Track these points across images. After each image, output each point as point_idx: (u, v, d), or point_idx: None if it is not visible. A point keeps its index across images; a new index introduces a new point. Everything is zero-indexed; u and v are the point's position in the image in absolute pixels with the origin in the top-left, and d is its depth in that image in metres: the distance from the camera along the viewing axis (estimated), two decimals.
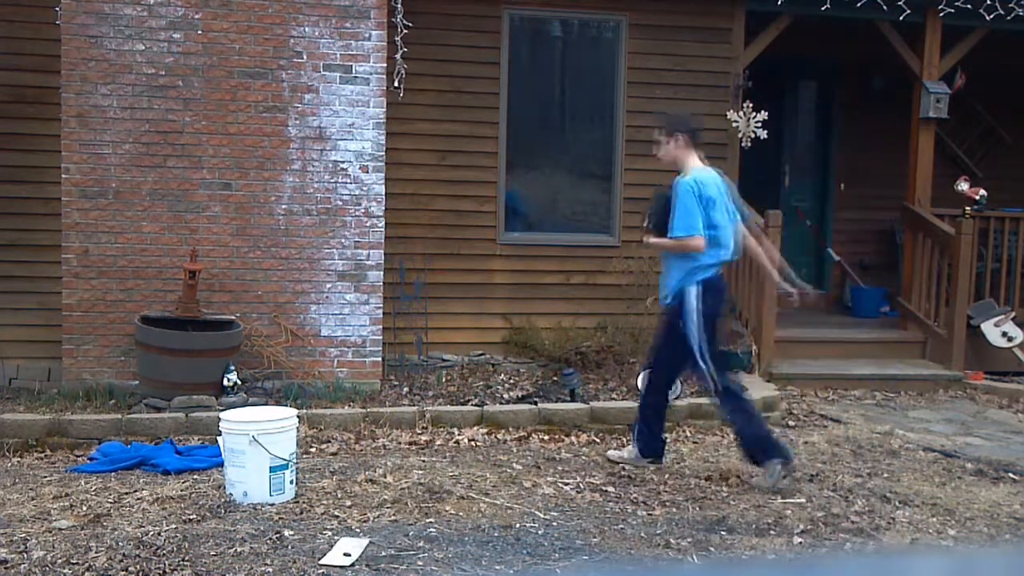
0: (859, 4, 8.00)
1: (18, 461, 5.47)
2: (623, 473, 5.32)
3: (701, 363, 5.23)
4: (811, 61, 10.19)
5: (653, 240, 5.43)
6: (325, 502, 4.66)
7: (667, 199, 5.34)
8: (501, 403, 6.59)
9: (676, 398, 6.52)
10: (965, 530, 4.69)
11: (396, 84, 7.31)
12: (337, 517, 4.46)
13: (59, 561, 3.88)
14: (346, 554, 3.97)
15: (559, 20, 8.12)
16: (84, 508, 4.54)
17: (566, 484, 5.11)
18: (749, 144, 8.05)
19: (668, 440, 6.16)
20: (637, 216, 8.05)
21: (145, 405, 6.14)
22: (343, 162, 6.86)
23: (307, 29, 6.79)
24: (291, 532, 4.23)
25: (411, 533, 4.27)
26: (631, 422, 5.76)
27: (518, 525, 4.45)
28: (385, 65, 6.95)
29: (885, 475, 5.51)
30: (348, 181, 6.87)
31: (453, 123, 7.70)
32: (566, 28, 8.20)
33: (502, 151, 7.86)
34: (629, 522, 4.58)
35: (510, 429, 6.09)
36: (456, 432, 5.99)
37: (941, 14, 8.33)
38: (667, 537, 4.37)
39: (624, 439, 6.11)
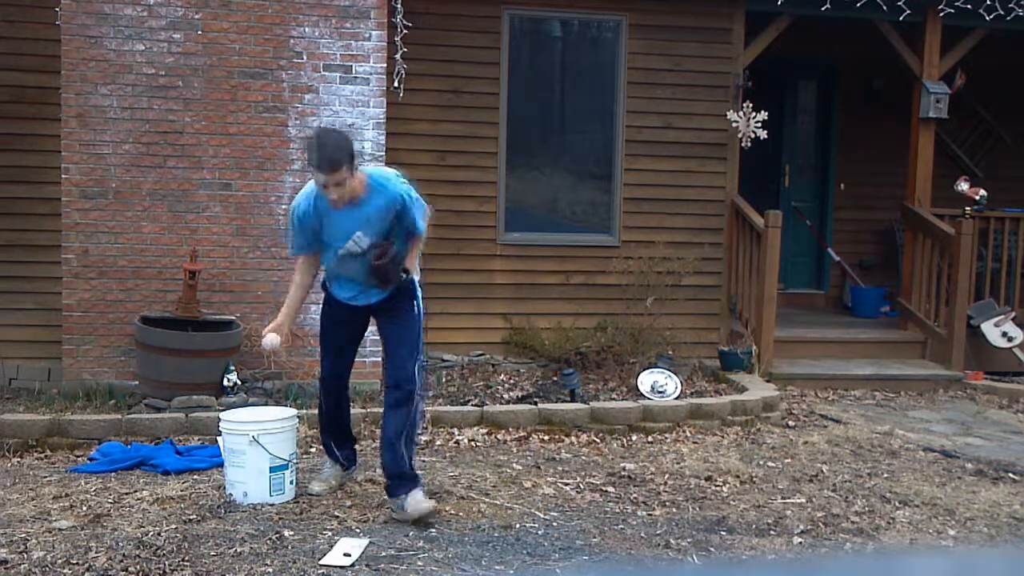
0: (859, 4, 8.00)
1: (18, 461, 5.47)
2: (623, 473, 5.33)
3: (420, 351, 4.73)
4: (811, 61, 10.19)
5: (414, 260, 4.73)
6: (325, 502, 4.66)
7: (392, 209, 4.56)
8: (501, 403, 6.59)
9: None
10: (965, 530, 4.69)
11: (396, 84, 7.31)
12: (337, 517, 4.46)
13: (59, 561, 3.88)
14: (346, 554, 3.97)
15: (559, 20, 8.12)
16: (84, 508, 4.54)
17: (566, 484, 5.11)
18: (749, 144, 8.05)
19: (669, 440, 6.18)
20: (637, 216, 8.07)
21: (145, 405, 6.14)
22: None
23: (307, 29, 6.79)
24: (291, 532, 4.23)
25: (411, 533, 4.27)
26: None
27: (518, 525, 4.46)
28: (385, 65, 6.95)
29: (885, 475, 5.51)
30: None
31: (453, 123, 7.71)
32: (566, 28, 8.20)
33: (502, 151, 7.86)
34: (629, 522, 4.58)
35: (510, 429, 6.08)
36: (456, 432, 5.99)
37: (941, 14, 8.33)
38: (667, 537, 4.38)
39: (624, 439, 6.10)
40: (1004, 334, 8.35)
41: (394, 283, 4.64)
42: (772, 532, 4.53)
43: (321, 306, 4.90)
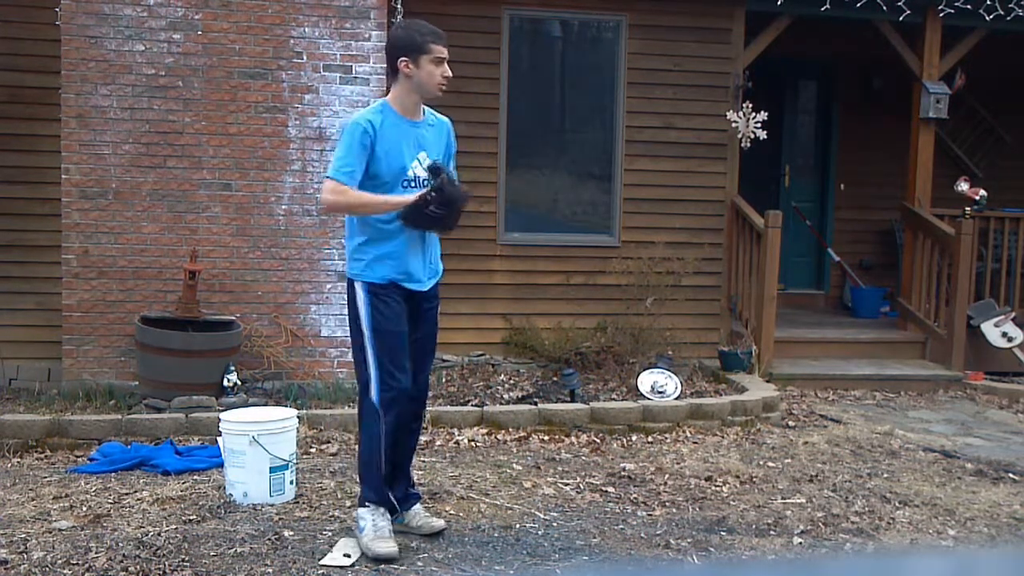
0: (859, 4, 8.00)
1: (18, 462, 5.47)
2: (623, 473, 5.33)
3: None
4: (811, 61, 10.20)
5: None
6: (325, 502, 4.66)
7: (445, 139, 4.29)
8: (501, 403, 6.59)
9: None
10: (965, 530, 4.69)
11: None
12: (337, 518, 4.46)
13: (59, 562, 3.88)
14: (346, 555, 3.97)
15: (559, 20, 8.12)
16: (84, 509, 4.54)
17: (566, 484, 5.11)
18: (749, 144, 8.05)
19: (669, 440, 6.18)
20: (637, 216, 8.07)
21: (145, 405, 6.14)
22: None
23: (307, 30, 6.79)
24: (291, 532, 4.23)
25: (411, 533, 4.27)
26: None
27: (518, 525, 4.46)
28: (385, 66, 6.94)
29: (885, 475, 5.51)
30: None
31: (453, 123, 7.69)
32: (566, 28, 8.20)
33: (502, 151, 7.86)
34: (629, 522, 4.58)
35: (510, 429, 6.08)
36: (456, 432, 5.99)
37: (941, 14, 8.33)
38: (667, 537, 4.38)
39: (624, 439, 6.10)
40: (1004, 334, 8.35)
41: (452, 228, 4.07)
42: (772, 532, 4.53)
43: (369, 307, 4.07)
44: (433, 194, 3.92)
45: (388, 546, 3.99)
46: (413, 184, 4.07)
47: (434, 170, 4.02)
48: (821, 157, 10.55)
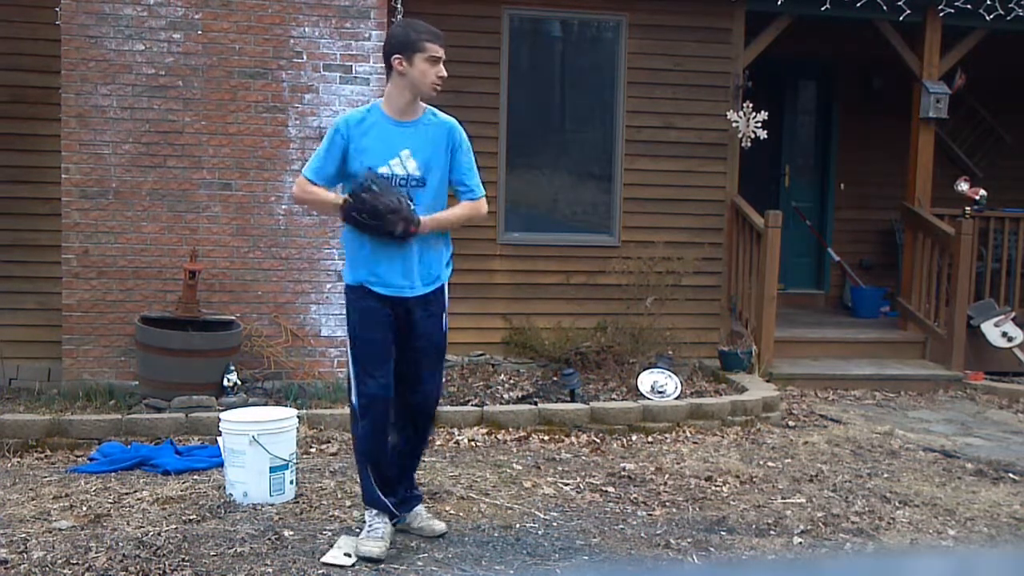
0: (859, 4, 8.00)
1: (18, 461, 5.47)
2: (623, 473, 5.33)
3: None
4: (811, 61, 10.20)
5: (438, 217, 4.11)
6: (325, 502, 4.66)
7: (446, 142, 4.14)
8: (501, 403, 6.59)
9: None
10: (965, 530, 4.69)
11: None
12: (337, 517, 4.46)
13: (59, 561, 3.88)
14: (347, 554, 3.97)
15: (559, 20, 8.12)
16: (84, 508, 4.54)
17: (566, 484, 5.11)
18: (749, 144, 8.05)
19: (669, 440, 6.18)
20: (637, 216, 8.07)
21: (145, 405, 6.15)
22: None
23: (307, 29, 6.79)
24: (291, 532, 4.23)
25: (411, 533, 4.27)
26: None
27: (518, 525, 4.46)
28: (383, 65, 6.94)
29: (885, 475, 5.51)
30: None
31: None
32: (566, 28, 8.20)
33: (502, 151, 7.86)
34: (629, 522, 4.58)
35: (510, 429, 6.08)
36: (456, 432, 5.99)
37: (941, 14, 8.33)
38: (667, 537, 4.38)
39: (624, 439, 6.10)
40: (1004, 334, 8.35)
41: (400, 235, 3.90)
42: (772, 532, 4.53)
43: (347, 309, 4.13)
44: (350, 200, 3.93)
45: (368, 547, 3.99)
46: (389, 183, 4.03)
47: (368, 177, 3.95)
48: (821, 157, 10.55)
